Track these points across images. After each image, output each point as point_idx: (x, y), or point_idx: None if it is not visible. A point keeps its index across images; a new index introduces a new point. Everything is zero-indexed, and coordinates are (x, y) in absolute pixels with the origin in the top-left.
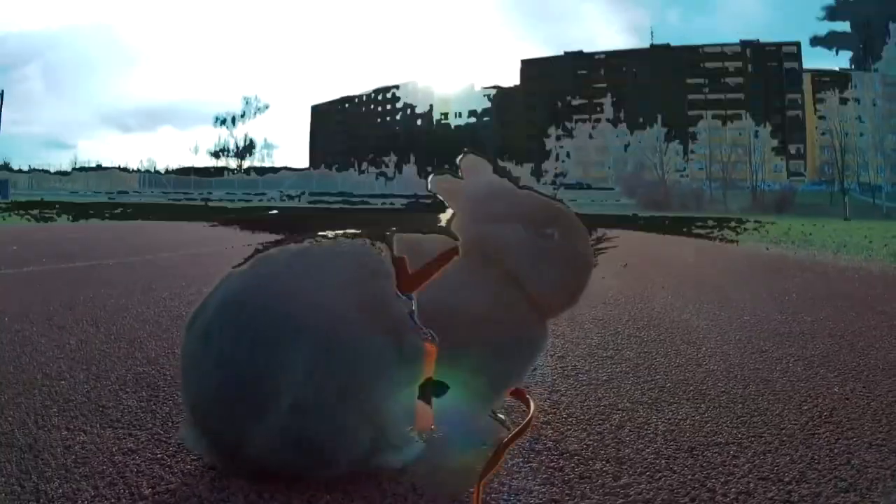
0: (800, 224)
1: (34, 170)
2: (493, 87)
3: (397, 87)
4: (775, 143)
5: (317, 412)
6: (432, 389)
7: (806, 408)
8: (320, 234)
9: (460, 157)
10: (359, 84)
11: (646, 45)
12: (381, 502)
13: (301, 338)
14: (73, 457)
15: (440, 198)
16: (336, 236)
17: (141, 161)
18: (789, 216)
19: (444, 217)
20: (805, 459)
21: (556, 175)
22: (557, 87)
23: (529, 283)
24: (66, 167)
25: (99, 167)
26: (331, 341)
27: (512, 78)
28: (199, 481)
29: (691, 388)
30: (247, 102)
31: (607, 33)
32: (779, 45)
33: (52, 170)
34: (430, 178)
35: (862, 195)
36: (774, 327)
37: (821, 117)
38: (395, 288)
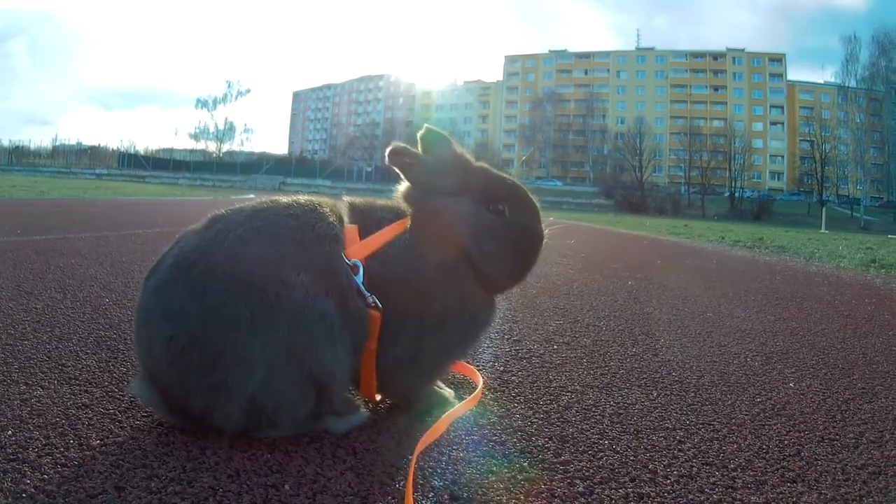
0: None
1: (15, 146)
2: (476, 82)
3: (380, 77)
4: (756, 151)
5: (260, 370)
6: (377, 357)
7: (759, 400)
8: (275, 197)
9: (421, 131)
10: (341, 73)
11: (631, 47)
12: (320, 463)
13: (247, 297)
14: (29, 409)
15: (395, 169)
16: (291, 200)
17: (121, 140)
18: (767, 224)
19: (400, 189)
20: (753, 449)
21: (537, 178)
22: (540, 84)
23: (476, 258)
24: (47, 143)
25: (79, 145)
26: (275, 301)
27: (495, 73)
28: (146, 436)
29: (645, 375)
30: (229, 85)
31: (593, 34)
32: (764, 55)
33: (31, 145)
34: (387, 149)
35: (840, 207)
36: (737, 324)
37: (802, 128)
38: (344, 253)
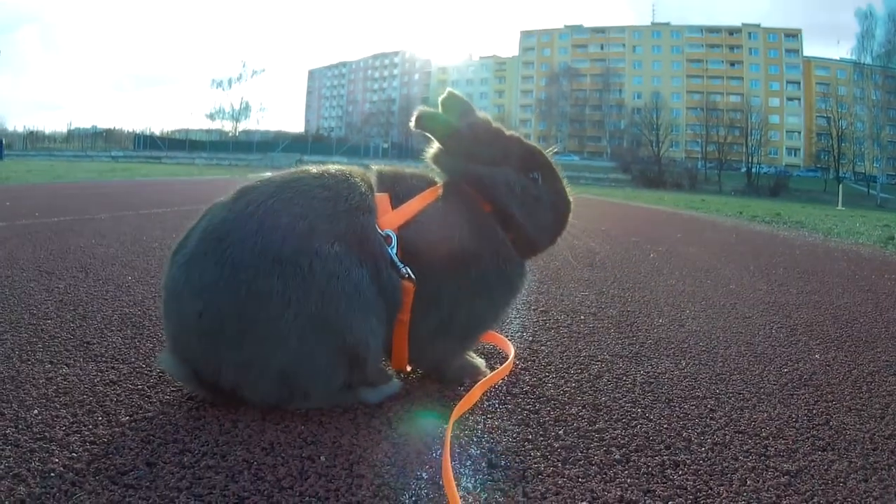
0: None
1: (30, 131)
2: (491, 57)
3: (395, 54)
4: (772, 126)
5: (292, 343)
6: (409, 328)
7: (786, 370)
8: (305, 167)
9: (443, 96)
10: (357, 50)
11: (646, 22)
12: (355, 434)
13: (278, 269)
14: (55, 387)
15: (425, 133)
16: (321, 171)
17: (136, 122)
18: (784, 200)
19: (429, 153)
20: (783, 417)
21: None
22: (556, 59)
23: (523, 223)
24: (61, 128)
25: (94, 128)
26: (308, 272)
27: (511, 49)
28: (176, 410)
29: (672, 345)
30: (244, 65)
31: (608, 9)
32: (780, 31)
33: (46, 130)
34: (416, 113)
35: (856, 184)
36: (760, 297)
37: (819, 104)
38: (377, 223)
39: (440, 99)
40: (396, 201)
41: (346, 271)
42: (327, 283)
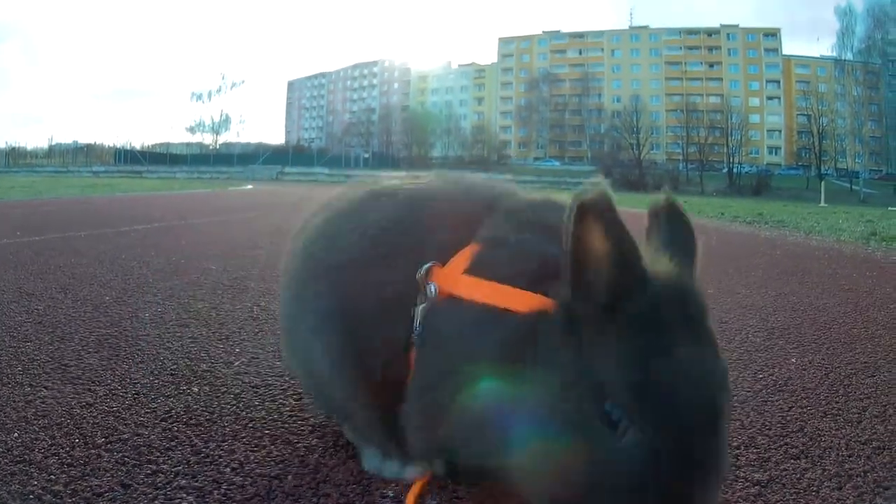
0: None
1: (11, 147)
2: (470, 65)
3: (374, 63)
4: (753, 126)
5: (301, 346)
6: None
7: (761, 376)
8: (424, 180)
9: (662, 200)
10: (336, 60)
11: (624, 26)
12: (322, 453)
13: (319, 283)
14: (34, 410)
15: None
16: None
17: (116, 137)
18: (766, 199)
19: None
20: (756, 425)
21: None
22: (535, 65)
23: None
24: (42, 143)
25: (76, 144)
26: (334, 292)
27: (489, 56)
28: (150, 431)
29: None
30: (223, 77)
31: (586, 14)
32: (759, 30)
33: (28, 146)
34: (581, 200)
35: (839, 181)
36: (738, 300)
37: (799, 102)
38: (421, 273)
39: (660, 205)
40: (479, 265)
41: (360, 301)
42: (345, 304)
